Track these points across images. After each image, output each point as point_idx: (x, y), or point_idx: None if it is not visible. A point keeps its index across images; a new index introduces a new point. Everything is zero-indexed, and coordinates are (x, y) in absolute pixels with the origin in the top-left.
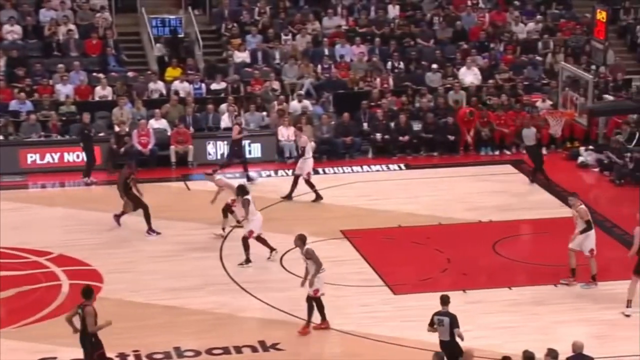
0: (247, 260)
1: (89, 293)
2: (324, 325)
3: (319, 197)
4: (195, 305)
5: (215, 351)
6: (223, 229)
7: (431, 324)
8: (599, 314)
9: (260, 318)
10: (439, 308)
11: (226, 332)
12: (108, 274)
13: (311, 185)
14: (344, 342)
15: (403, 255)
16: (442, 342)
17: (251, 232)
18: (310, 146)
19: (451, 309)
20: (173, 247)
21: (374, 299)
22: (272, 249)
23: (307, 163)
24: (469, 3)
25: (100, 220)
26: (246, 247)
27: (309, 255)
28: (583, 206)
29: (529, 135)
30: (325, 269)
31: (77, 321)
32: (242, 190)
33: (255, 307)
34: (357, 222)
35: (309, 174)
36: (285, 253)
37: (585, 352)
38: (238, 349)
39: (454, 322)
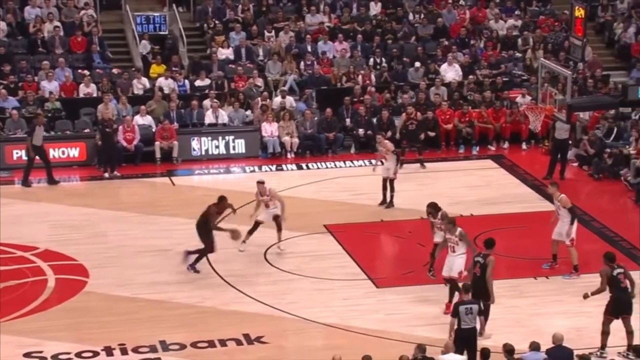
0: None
1: (492, 243)
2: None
3: (390, 204)
4: (180, 299)
5: (200, 344)
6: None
7: (455, 314)
8: (578, 306)
9: (245, 312)
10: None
11: (211, 326)
12: (93, 269)
13: (391, 189)
14: (327, 335)
15: (386, 249)
16: (464, 331)
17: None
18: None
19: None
20: (158, 242)
21: (357, 292)
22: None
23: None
24: (450, 0)
25: (86, 216)
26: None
27: (461, 237)
28: (564, 195)
29: (564, 127)
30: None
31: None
32: (434, 208)
33: (239, 300)
34: (340, 217)
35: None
36: (269, 247)
37: (565, 343)
38: (223, 342)
39: (480, 308)
